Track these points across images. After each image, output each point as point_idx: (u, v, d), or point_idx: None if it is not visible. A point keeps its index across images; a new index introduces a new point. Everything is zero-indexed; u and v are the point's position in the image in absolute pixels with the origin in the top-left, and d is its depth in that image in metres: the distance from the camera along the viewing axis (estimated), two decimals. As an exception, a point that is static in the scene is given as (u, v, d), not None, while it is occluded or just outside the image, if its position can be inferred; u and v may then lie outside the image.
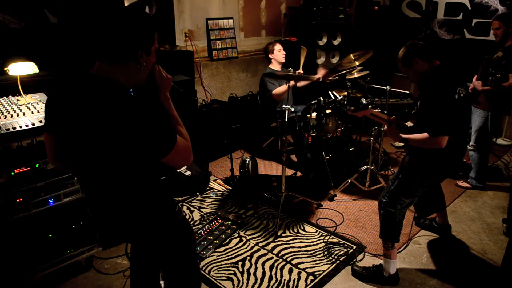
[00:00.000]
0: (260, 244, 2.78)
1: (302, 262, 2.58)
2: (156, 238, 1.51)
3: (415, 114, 2.27)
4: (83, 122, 1.26)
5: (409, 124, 2.48)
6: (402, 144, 2.19)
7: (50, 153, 1.49)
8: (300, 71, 3.95)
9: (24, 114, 2.22)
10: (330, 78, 3.83)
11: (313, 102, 3.55)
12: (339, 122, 3.81)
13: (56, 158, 1.49)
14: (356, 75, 3.88)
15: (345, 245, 2.77)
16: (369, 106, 2.21)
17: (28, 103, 2.36)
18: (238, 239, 2.84)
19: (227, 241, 2.80)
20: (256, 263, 2.58)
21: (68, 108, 1.29)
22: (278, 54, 3.95)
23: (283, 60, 3.96)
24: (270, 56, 3.99)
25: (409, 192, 2.27)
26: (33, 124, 2.13)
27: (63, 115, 1.31)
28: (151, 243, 1.54)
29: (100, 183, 1.40)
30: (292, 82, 3.39)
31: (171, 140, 1.30)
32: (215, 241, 2.76)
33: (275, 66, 3.99)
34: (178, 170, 3.46)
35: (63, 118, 1.32)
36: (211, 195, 3.53)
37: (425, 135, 2.05)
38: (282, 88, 3.78)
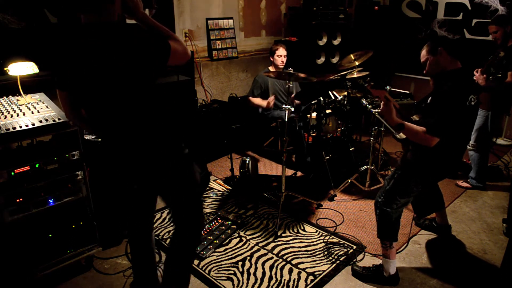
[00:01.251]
0: (260, 244, 2.78)
1: (302, 262, 2.58)
2: (167, 166, 1.74)
3: (423, 109, 2.26)
4: (96, 63, 1.50)
5: (415, 118, 2.46)
6: (404, 136, 2.18)
7: (66, 108, 1.72)
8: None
9: (24, 114, 2.22)
10: (330, 77, 3.83)
11: (313, 102, 3.55)
12: (339, 122, 3.81)
13: (71, 111, 1.73)
14: (356, 75, 3.88)
15: (345, 245, 2.77)
16: (386, 90, 2.18)
17: (28, 103, 2.36)
18: (238, 239, 2.84)
19: (227, 241, 2.80)
20: (256, 263, 2.58)
21: (78, 56, 1.51)
22: (277, 59, 3.95)
23: (281, 66, 3.96)
24: (270, 58, 4.00)
25: (405, 191, 2.28)
26: (33, 124, 2.12)
27: (73, 64, 1.54)
28: (161, 172, 1.74)
29: (120, 119, 1.64)
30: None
31: (165, 45, 1.57)
32: (215, 241, 2.75)
33: (273, 69, 4.00)
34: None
35: (75, 68, 1.54)
36: (211, 195, 3.52)
37: (422, 128, 2.05)
38: (259, 102, 3.98)
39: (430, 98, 2.20)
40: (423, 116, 2.25)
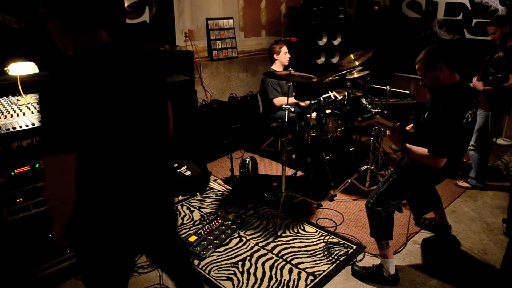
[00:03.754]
0: (260, 244, 2.77)
1: (302, 262, 2.58)
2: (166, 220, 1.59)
3: (420, 123, 2.27)
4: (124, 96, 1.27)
5: (409, 127, 2.47)
6: None
7: (69, 179, 1.17)
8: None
9: (24, 114, 2.22)
10: (330, 78, 3.83)
11: (313, 102, 3.55)
12: (339, 122, 3.81)
13: (72, 182, 1.19)
14: (356, 75, 3.88)
15: (345, 245, 2.77)
16: (376, 115, 2.19)
17: (28, 103, 2.36)
18: (238, 239, 2.84)
19: (227, 241, 2.80)
20: (256, 263, 2.57)
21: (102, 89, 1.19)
22: (284, 56, 3.98)
23: (287, 63, 3.99)
24: (275, 56, 4.00)
25: (397, 195, 2.31)
26: (33, 124, 2.13)
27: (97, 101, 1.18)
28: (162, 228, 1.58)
29: (142, 172, 1.39)
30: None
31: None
32: (215, 241, 2.75)
33: (277, 67, 4.00)
34: (178, 170, 3.46)
35: (99, 105, 1.18)
36: (211, 195, 3.52)
37: (425, 150, 2.07)
38: (284, 99, 3.84)
39: (426, 114, 2.19)
40: (419, 131, 2.26)
